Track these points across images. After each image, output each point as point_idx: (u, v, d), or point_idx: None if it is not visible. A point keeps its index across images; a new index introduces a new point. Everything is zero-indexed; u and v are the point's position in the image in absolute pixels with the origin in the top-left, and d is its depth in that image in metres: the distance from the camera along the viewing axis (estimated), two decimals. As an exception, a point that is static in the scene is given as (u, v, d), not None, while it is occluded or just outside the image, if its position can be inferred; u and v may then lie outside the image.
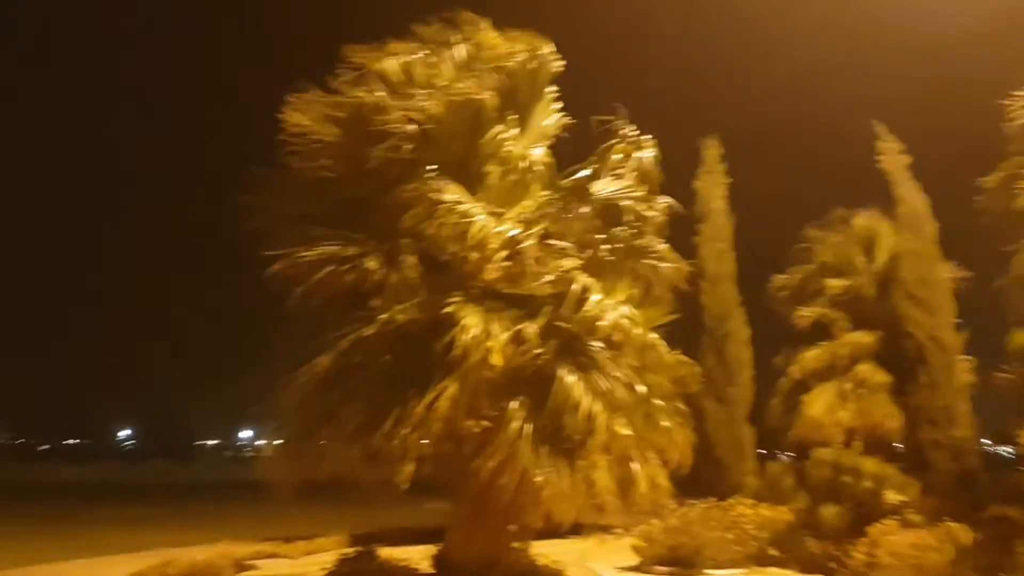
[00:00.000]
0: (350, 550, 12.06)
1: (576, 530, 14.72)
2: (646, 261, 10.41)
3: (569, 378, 8.75)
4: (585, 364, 9.03)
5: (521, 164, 9.77)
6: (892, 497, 15.44)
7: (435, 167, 9.20)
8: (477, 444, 8.84)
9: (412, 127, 9.13)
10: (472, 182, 9.53)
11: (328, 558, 12.02)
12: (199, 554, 14.44)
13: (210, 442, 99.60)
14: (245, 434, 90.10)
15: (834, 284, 22.68)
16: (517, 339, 8.96)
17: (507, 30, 10.04)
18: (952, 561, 12.40)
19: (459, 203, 8.94)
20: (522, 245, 9.20)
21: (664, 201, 10.40)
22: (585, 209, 9.96)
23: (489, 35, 9.94)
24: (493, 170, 9.69)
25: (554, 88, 10.48)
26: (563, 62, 10.31)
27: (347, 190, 9.63)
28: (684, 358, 11.11)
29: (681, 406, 10.90)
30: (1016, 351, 16.52)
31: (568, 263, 9.55)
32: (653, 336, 10.21)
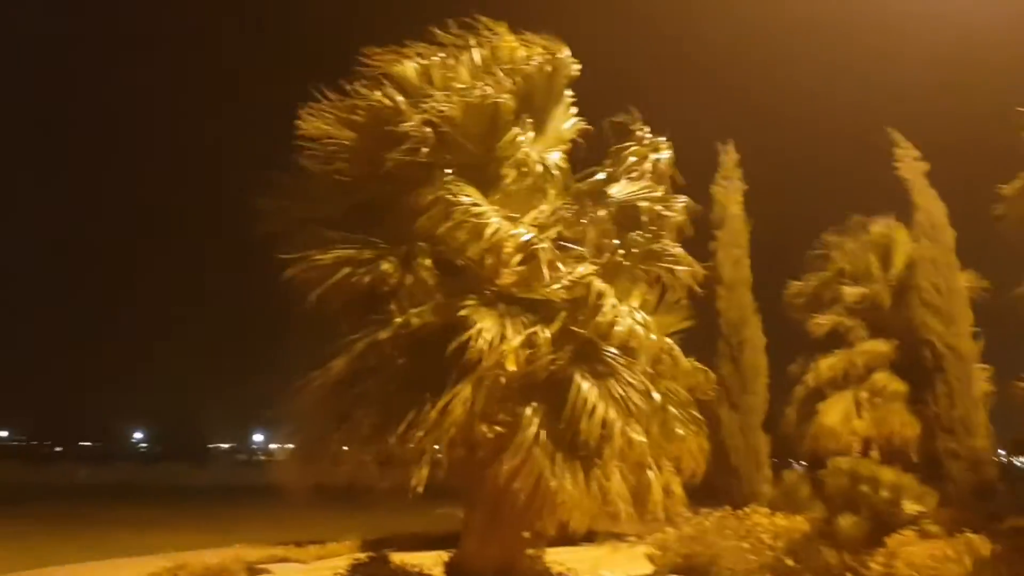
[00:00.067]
0: (362, 555, 12.02)
1: (589, 538, 14.65)
2: (662, 265, 10.30)
3: (584, 384, 8.67)
4: (600, 370, 8.95)
5: (537, 168, 9.70)
6: (910, 507, 15.27)
7: (451, 170, 9.16)
8: (491, 449, 8.78)
9: (428, 130, 9.09)
10: (488, 185, 9.48)
11: (340, 563, 11.98)
12: (211, 557, 14.45)
13: (223, 445, 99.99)
14: (258, 437, 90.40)
15: (850, 292, 22.59)
16: (531, 344, 8.90)
17: (524, 33, 10.00)
18: (970, 573, 12.24)
19: (475, 206, 8.89)
20: (537, 248, 9.12)
21: (682, 201, 10.28)
22: (601, 212, 9.89)
23: (506, 38, 9.91)
24: (509, 174, 9.65)
25: (571, 92, 10.42)
26: (579, 66, 10.26)
27: (363, 193, 9.61)
28: (699, 365, 11.03)
29: (696, 414, 10.83)
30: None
31: (583, 268, 9.47)
32: (669, 342, 10.14)
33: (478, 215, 8.84)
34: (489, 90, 9.13)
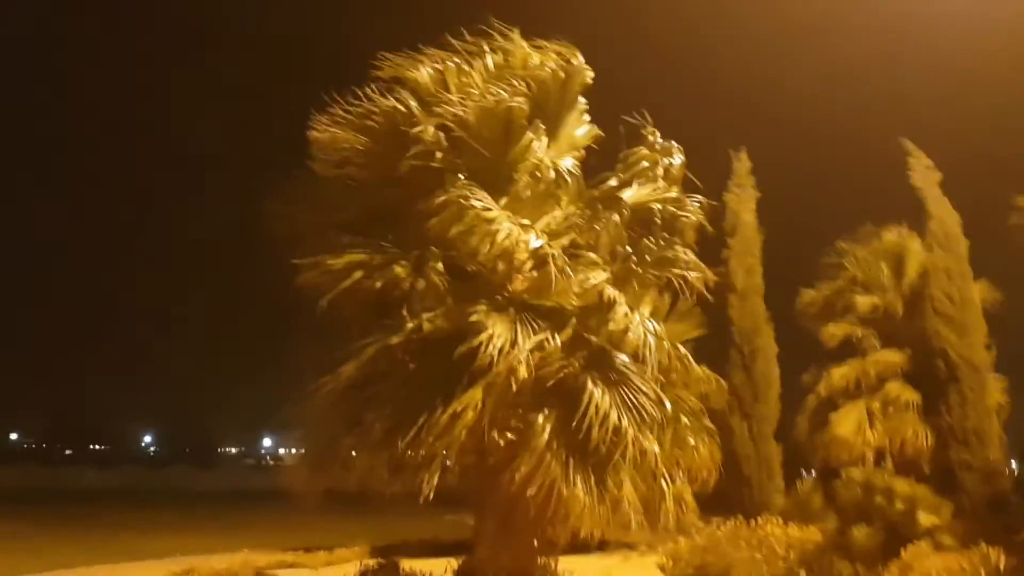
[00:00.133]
0: (371, 561, 11.97)
1: (599, 546, 14.57)
2: (675, 271, 10.22)
3: (597, 390, 8.60)
4: (612, 377, 8.88)
5: (550, 174, 9.65)
6: (925, 519, 15.13)
7: (464, 175, 9.11)
8: (503, 456, 8.73)
9: (442, 135, 9.07)
10: (501, 191, 9.44)
11: (349, 569, 11.94)
12: (219, 562, 14.44)
13: (232, 449, 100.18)
14: (267, 442, 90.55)
15: (863, 301, 22.45)
16: (542, 350, 8.85)
17: (537, 40, 9.96)
18: (986, 586, 12.11)
19: (486, 211, 8.83)
20: (548, 255, 9.06)
21: (696, 201, 10.17)
22: (614, 218, 9.82)
23: (519, 45, 9.87)
24: (522, 179, 9.60)
25: (584, 100, 10.37)
26: (592, 72, 10.20)
27: (376, 198, 9.59)
28: (711, 374, 10.95)
29: (708, 423, 10.75)
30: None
31: (595, 275, 9.41)
32: (681, 351, 10.06)
33: (490, 220, 8.79)
34: (503, 94, 9.07)
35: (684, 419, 10.14)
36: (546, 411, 8.67)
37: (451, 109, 9.04)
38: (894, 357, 21.82)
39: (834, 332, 22.11)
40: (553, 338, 8.85)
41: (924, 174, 21.31)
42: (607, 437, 8.47)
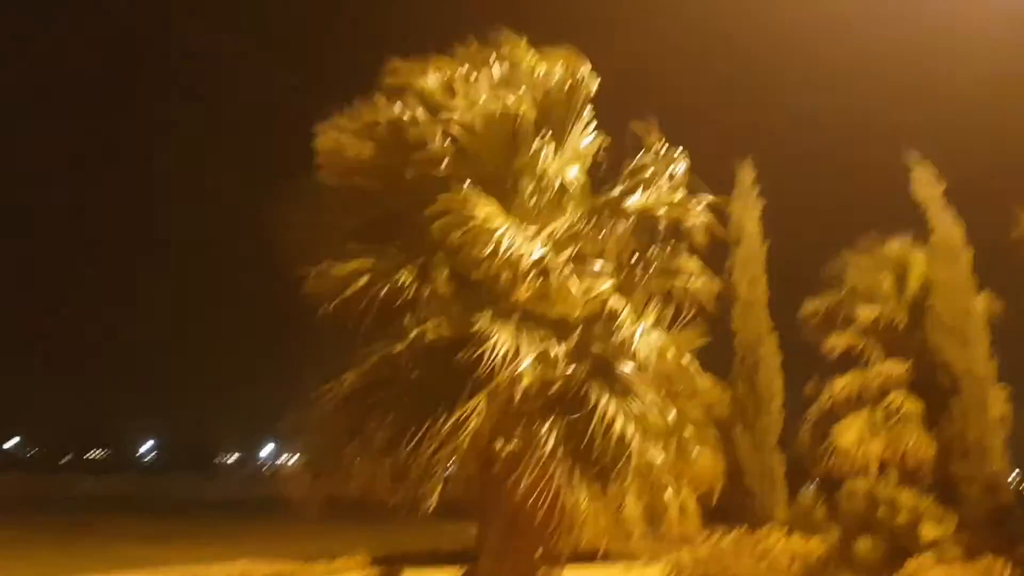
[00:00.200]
0: (372, 571, 11.88)
1: (601, 556, 14.46)
2: (679, 281, 10.19)
3: (602, 400, 8.56)
4: (617, 387, 8.85)
5: (556, 183, 9.64)
6: (929, 531, 15.06)
7: (470, 183, 9.08)
8: (507, 465, 8.67)
9: (448, 143, 9.05)
10: (507, 199, 9.43)
11: (349, 579, 11.84)
12: (218, 571, 14.37)
13: (231, 457, 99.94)
14: (267, 449, 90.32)
15: (865, 312, 22.40)
16: (546, 359, 8.81)
17: (544, 49, 9.95)
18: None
19: (490, 220, 8.80)
20: (553, 265, 9.03)
21: (702, 201, 10.08)
22: (619, 226, 9.78)
23: (526, 53, 9.87)
24: (528, 187, 9.60)
25: (590, 109, 10.34)
26: (598, 80, 10.18)
27: (381, 206, 9.59)
28: (715, 384, 10.90)
29: (712, 434, 10.70)
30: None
31: (599, 284, 9.38)
32: (685, 361, 10.02)
33: (492, 230, 8.74)
34: (510, 102, 9.05)
35: (688, 429, 10.08)
36: (551, 420, 8.64)
37: (457, 116, 9.03)
38: (896, 368, 21.76)
39: (836, 343, 22.05)
40: (558, 347, 8.82)
41: (927, 186, 21.31)
42: (612, 447, 8.43)
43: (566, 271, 9.09)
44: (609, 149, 10.33)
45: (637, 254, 10.04)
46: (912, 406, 21.14)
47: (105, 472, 70.80)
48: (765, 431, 20.50)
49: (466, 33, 9.82)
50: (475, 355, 8.34)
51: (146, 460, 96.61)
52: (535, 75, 9.77)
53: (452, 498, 8.98)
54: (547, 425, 8.60)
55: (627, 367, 9.18)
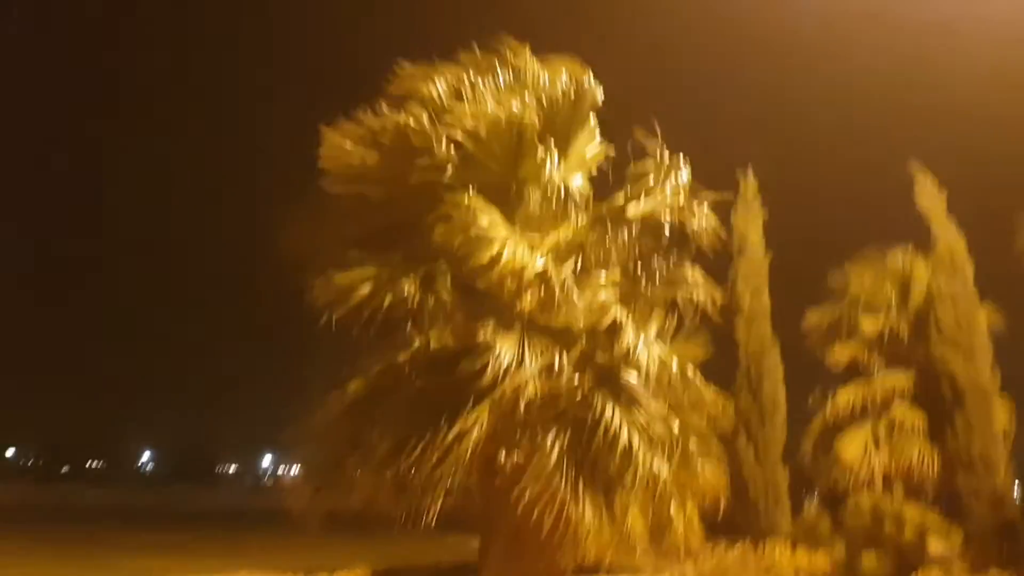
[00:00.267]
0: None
1: (604, 570, 14.33)
2: (683, 291, 10.11)
3: (608, 410, 8.47)
4: (623, 398, 8.76)
5: (560, 192, 9.57)
6: (935, 546, 14.92)
7: (474, 190, 9.03)
8: (511, 477, 8.58)
9: (452, 150, 9.00)
10: (511, 206, 9.39)
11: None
12: (218, 583, 14.21)
13: (231, 467, 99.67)
14: (266, 460, 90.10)
15: (868, 323, 22.33)
16: (551, 369, 8.74)
17: (549, 57, 9.91)
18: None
19: (493, 229, 8.74)
20: (556, 276, 8.96)
21: (704, 199, 9.99)
22: (623, 234, 9.71)
23: (530, 62, 9.83)
24: (532, 196, 9.55)
25: (595, 118, 10.30)
26: (602, 91, 10.14)
27: (386, 214, 9.54)
28: (719, 396, 10.82)
29: (716, 446, 10.61)
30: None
31: (603, 294, 9.31)
32: (689, 372, 9.93)
33: (493, 239, 8.67)
34: (515, 109, 9.01)
35: (692, 441, 9.98)
36: (555, 431, 8.55)
37: (462, 122, 8.98)
38: (900, 380, 21.68)
39: (840, 354, 21.97)
40: (562, 357, 8.75)
41: (930, 196, 21.28)
42: (617, 458, 8.34)
43: (569, 281, 9.02)
44: (613, 157, 10.31)
45: (641, 264, 9.97)
46: (916, 418, 21.05)
47: (104, 482, 70.59)
48: (769, 443, 20.36)
49: (469, 42, 9.80)
50: (478, 365, 8.28)
51: (145, 470, 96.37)
52: (539, 83, 9.73)
53: (454, 510, 8.90)
54: (551, 436, 8.51)
55: (633, 378, 9.11)
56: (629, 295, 9.59)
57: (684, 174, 10.14)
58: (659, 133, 9.91)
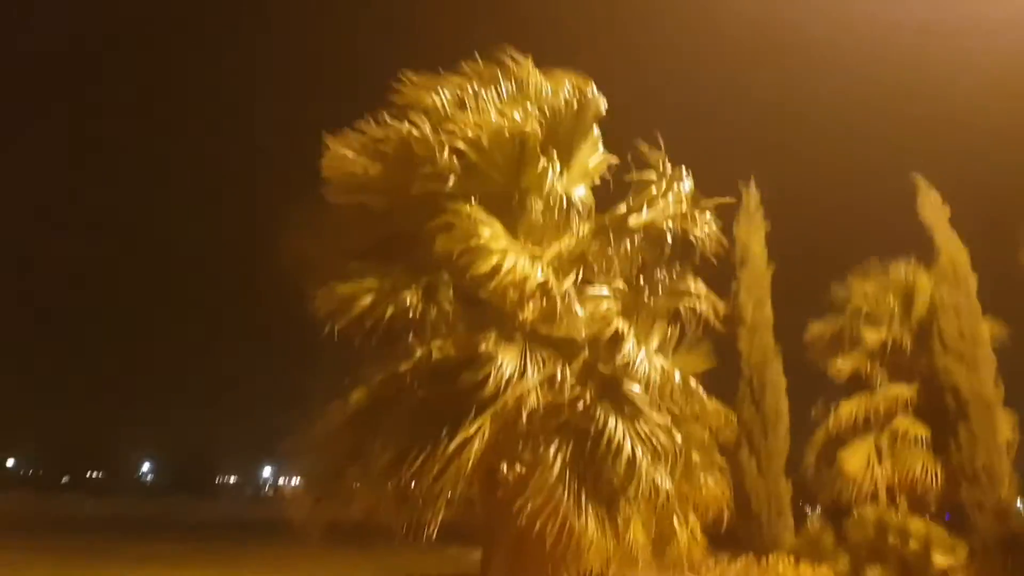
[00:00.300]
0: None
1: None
2: (686, 302, 10.06)
3: (611, 421, 8.42)
4: (627, 410, 8.71)
5: (562, 202, 9.54)
6: (941, 560, 14.80)
7: (476, 200, 9.00)
8: (513, 489, 8.52)
9: (455, 160, 8.97)
10: (513, 217, 9.37)
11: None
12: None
13: (231, 478, 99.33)
14: (266, 471, 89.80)
15: (871, 335, 22.25)
16: (552, 381, 8.68)
17: (552, 69, 9.89)
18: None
19: (494, 241, 8.69)
20: (556, 287, 8.91)
21: (706, 206, 9.93)
22: (626, 245, 9.68)
23: (533, 73, 9.81)
24: (535, 206, 9.52)
25: (598, 129, 10.27)
26: (605, 103, 10.11)
27: (388, 224, 9.53)
28: (722, 408, 10.77)
29: (719, 458, 10.55)
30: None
31: (605, 305, 9.26)
32: (692, 384, 9.88)
33: (493, 251, 8.62)
34: (517, 119, 8.98)
35: (695, 454, 9.93)
36: (557, 442, 8.50)
37: (465, 130, 8.95)
38: (903, 391, 21.57)
39: (842, 366, 21.88)
40: (564, 368, 8.70)
41: (934, 209, 21.25)
42: (620, 470, 8.28)
43: (571, 292, 8.98)
44: (615, 168, 10.28)
45: (643, 274, 9.93)
46: (919, 430, 20.92)
47: (105, 493, 70.35)
48: (772, 455, 20.23)
49: (472, 53, 9.79)
50: (480, 376, 8.24)
51: (145, 481, 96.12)
52: (542, 94, 9.71)
53: (455, 522, 8.84)
54: (553, 447, 8.45)
55: (635, 388, 9.06)
56: (632, 306, 9.54)
57: (687, 184, 10.13)
58: (662, 144, 9.91)
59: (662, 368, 9.24)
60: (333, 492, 9.07)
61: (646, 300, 9.75)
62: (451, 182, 9.04)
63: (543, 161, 9.32)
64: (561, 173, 9.69)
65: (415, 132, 9.10)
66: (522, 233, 9.35)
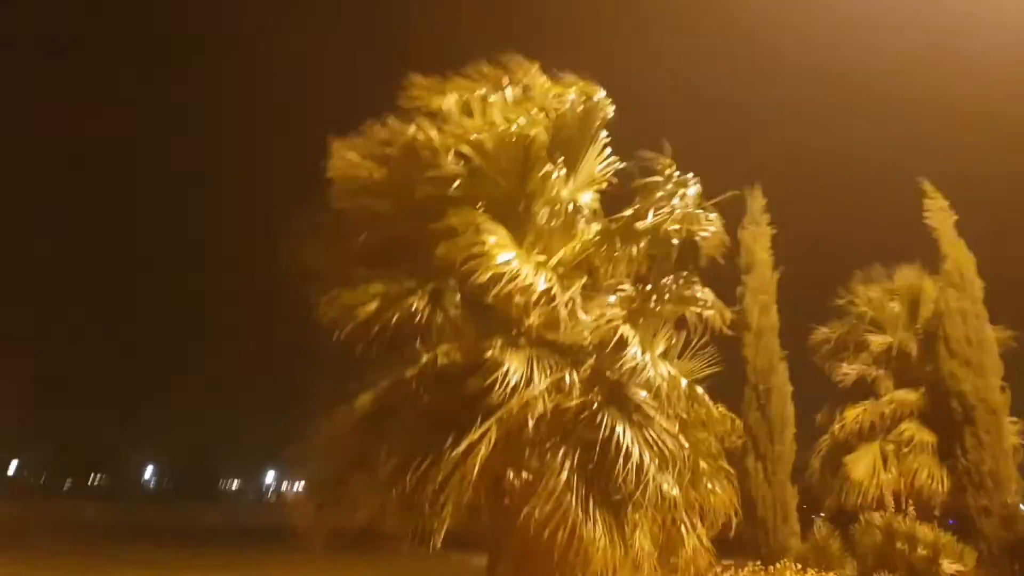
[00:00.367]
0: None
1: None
2: (693, 309, 9.99)
3: (619, 427, 8.35)
4: (635, 418, 8.65)
5: (568, 208, 9.48)
6: (949, 567, 14.70)
7: (482, 204, 8.96)
8: (520, 496, 8.45)
9: (461, 164, 8.91)
10: (519, 222, 9.30)
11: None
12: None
13: (234, 483, 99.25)
14: (270, 476, 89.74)
15: (877, 340, 22.17)
16: (560, 387, 8.61)
17: (559, 74, 9.83)
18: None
19: (498, 247, 8.62)
20: (560, 294, 8.84)
21: (712, 221, 9.84)
22: (632, 250, 9.61)
23: (539, 78, 9.75)
24: (541, 211, 9.44)
25: (605, 134, 10.20)
26: (614, 108, 10.05)
27: (393, 229, 9.47)
28: (728, 414, 10.69)
29: (725, 464, 10.48)
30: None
31: (612, 311, 9.19)
32: (699, 391, 9.81)
33: (496, 257, 8.54)
34: (522, 123, 8.92)
35: (702, 460, 9.86)
36: (564, 449, 8.43)
37: (471, 134, 8.90)
38: (909, 397, 21.49)
39: (848, 371, 21.80)
40: (571, 375, 8.63)
41: (940, 215, 21.21)
42: (629, 476, 8.20)
43: (577, 298, 8.91)
44: (621, 174, 10.22)
45: (650, 281, 9.86)
46: (925, 436, 20.83)
47: (107, 498, 70.28)
48: (778, 461, 20.12)
49: (478, 57, 9.72)
50: (487, 382, 8.17)
51: (148, 486, 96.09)
52: (548, 98, 9.64)
53: (460, 528, 8.77)
54: (561, 454, 8.38)
55: (643, 394, 9.00)
56: (638, 311, 9.46)
57: (693, 190, 10.07)
58: (668, 150, 9.86)
59: (669, 374, 9.18)
60: (337, 498, 8.99)
61: (652, 305, 9.66)
62: (456, 186, 8.97)
63: (549, 166, 9.25)
64: (567, 178, 9.62)
65: (420, 136, 9.05)
66: (527, 239, 9.28)
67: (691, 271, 10.03)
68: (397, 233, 9.40)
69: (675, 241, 9.66)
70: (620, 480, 8.22)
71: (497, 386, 8.16)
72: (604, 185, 10.12)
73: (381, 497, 8.66)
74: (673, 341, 10.11)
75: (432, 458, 8.17)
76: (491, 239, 8.62)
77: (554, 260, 9.32)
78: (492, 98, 9.45)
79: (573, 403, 8.60)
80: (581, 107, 9.78)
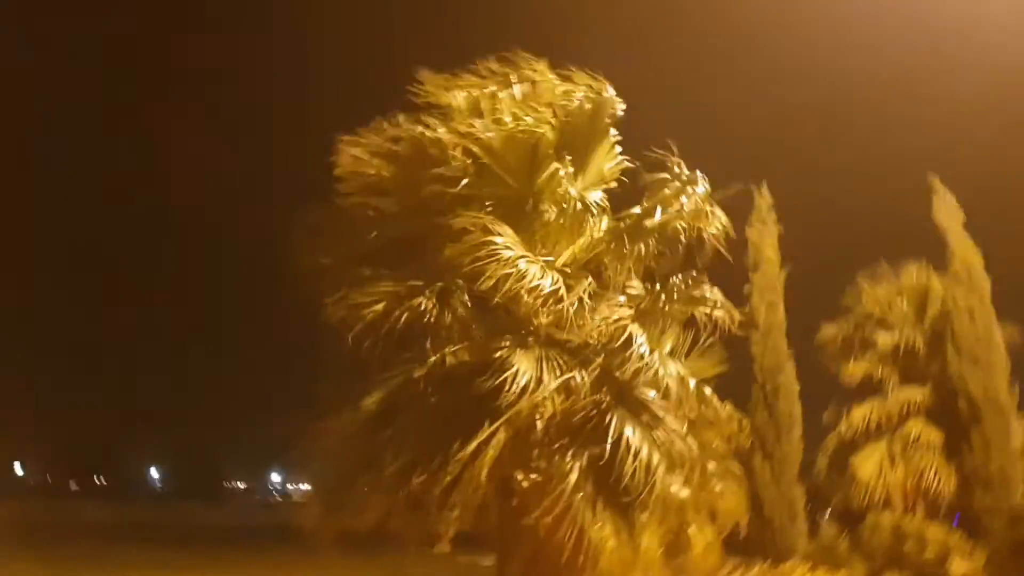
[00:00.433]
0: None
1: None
2: (702, 309, 9.93)
3: (628, 428, 8.31)
4: (644, 418, 8.61)
5: (576, 206, 9.42)
6: (958, 567, 14.65)
7: (490, 203, 8.92)
8: (529, 497, 8.42)
9: (469, 162, 8.87)
10: (527, 221, 9.24)
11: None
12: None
13: (239, 484, 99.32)
14: (275, 477, 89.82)
15: (884, 338, 22.10)
16: (569, 387, 8.57)
17: (568, 70, 9.77)
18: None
19: (506, 248, 8.57)
20: (568, 294, 8.79)
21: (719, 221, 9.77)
22: (640, 248, 9.56)
23: (547, 75, 9.69)
24: (549, 210, 9.37)
25: (615, 132, 10.14)
26: (623, 105, 9.98)
27: (400, 228, 9.42)
28: (736, 413, 10.67)
29: (733, 465, 10.46)
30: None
31: (619, 311, 9.14)
32: (706, 390, 9.78)
33: (506, 259, 8.49)
34: (531, 120, 8.88)
35: (710, 461, 9.84)
36: (573, 450, 8.39)
37: (478, 133, 8.85)
38: (916, 395, 21.42)
39: (855, 370, 21.74)
40: (580, 375, 8.58)
41: (948, 212, 21.07)
42: (637, 477, 8.16)
43: (586, 298, 8.85)
44: (631, 167, 10.16)
45: (658, 279, 9.82)
46: (932, 435, 20.78)
47: (113, 499, 70.36)
48: (785, 461, 20.07)
49: (485, 55, 9.67)
50: (496, 382, 8.11)
51: (153, 487, 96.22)
52: (556, 96, 9.58)
53: (468, 529, 8.75)
54: (570, 454, 8.35)
55: (651, 394, 8.97)
56: (646, 311, 9.41)
57: (701, 188, 10.01)
58: (675, 149, 9.80)
59: (678, 373, 9.14)
60: (344, 499, 8.97)
61: (661, 304, 9.61)
62: (464, 184, 8.92)
63: (557, 164, 9.20)
64: (575, 176, 9.55)
65: (428, 133, 9.00)
66: (535, 237, 9.24)
67: (699, 270, 9.98)
68: (405, 232, 9.35)
69: (683, 240, 9.61)
70: (629, 481, 8.16)
71: (507, 387, 8.11)
72: (614, 183, 10.06)
73: (388, 498, 8.64)
74: (681, 340, 10.09)
75: (440, 459, 8.13)
76: (499, 237, 8.58)
77: (562, 259, 9.28)
78: (501, 95, 9.41)
79: (581, 403, 8.55)
80: (590, 104, 9.70)
